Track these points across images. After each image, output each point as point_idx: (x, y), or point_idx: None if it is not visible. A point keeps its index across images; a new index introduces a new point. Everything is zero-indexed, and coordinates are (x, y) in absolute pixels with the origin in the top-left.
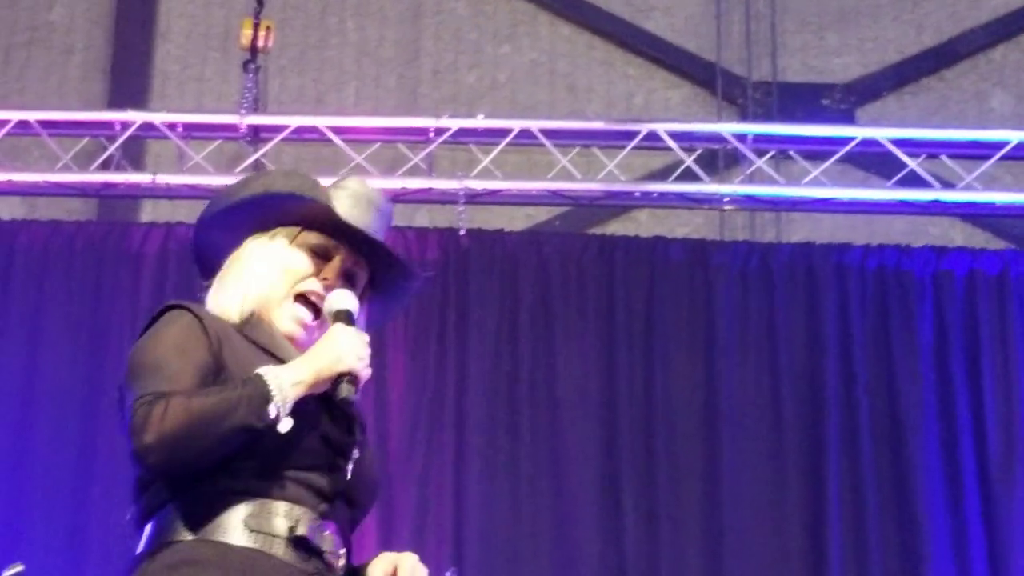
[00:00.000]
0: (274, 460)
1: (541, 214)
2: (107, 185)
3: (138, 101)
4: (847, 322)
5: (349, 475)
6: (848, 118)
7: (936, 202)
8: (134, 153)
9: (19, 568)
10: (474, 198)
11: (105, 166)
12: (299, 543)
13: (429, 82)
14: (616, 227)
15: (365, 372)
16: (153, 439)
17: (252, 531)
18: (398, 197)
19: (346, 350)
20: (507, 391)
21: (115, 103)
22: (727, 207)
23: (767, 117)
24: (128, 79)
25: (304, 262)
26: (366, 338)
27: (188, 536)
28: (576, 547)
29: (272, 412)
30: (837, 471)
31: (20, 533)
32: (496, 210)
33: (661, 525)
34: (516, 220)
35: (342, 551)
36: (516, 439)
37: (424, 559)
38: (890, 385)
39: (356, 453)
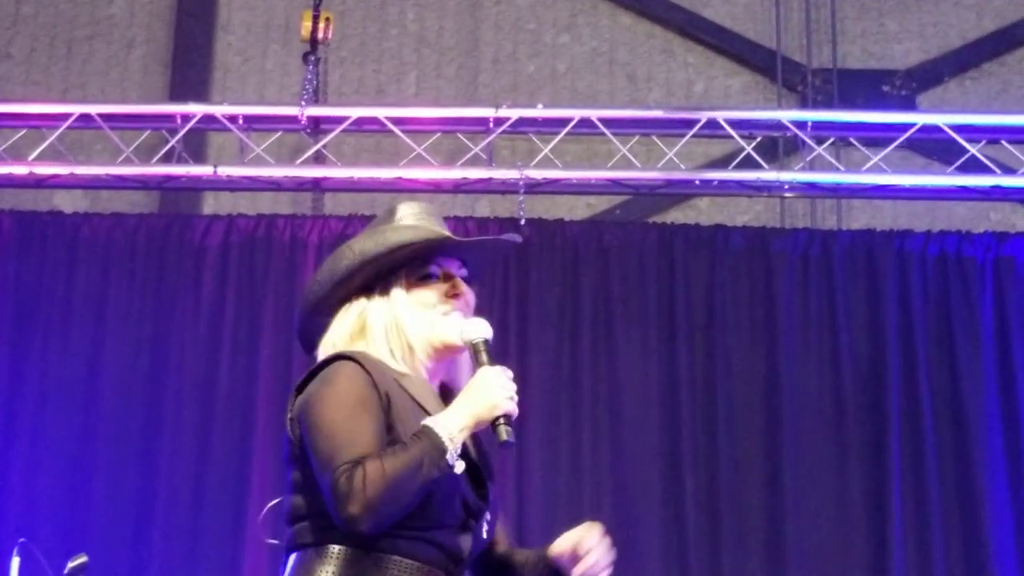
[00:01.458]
0: (417, 520)
1: (601, 203)
2: (169, 177)
3: (199, 93)
4: (908, 308)
5: (485, 535)
6: (909, 104)
7: (997, 187)
8: (195, 145)
9: (83, 559)
10: (534, 187)
11: (167, 159)
12: None
13: (489, 72)
14: (676, 215)
15: (516, 410)
16: (359, 508)
17: None
18: (458, 187)
19: (499, 393)
20: (568, 380)
21: (176, 96)
22: (787, 194)
23: (827, 104)
24: (189, 72)
25: (431, 293)
26: (509, 373)
27: None
28: (638, 534)
29: (451, 461)
30: (899, 457)
31: (86, 523)
32: (556, 199)
33: (723, 511)
34: (576, 209)
35: None
36: (577, 428)
37: None
38: (951, 370)
39: (489, 516)
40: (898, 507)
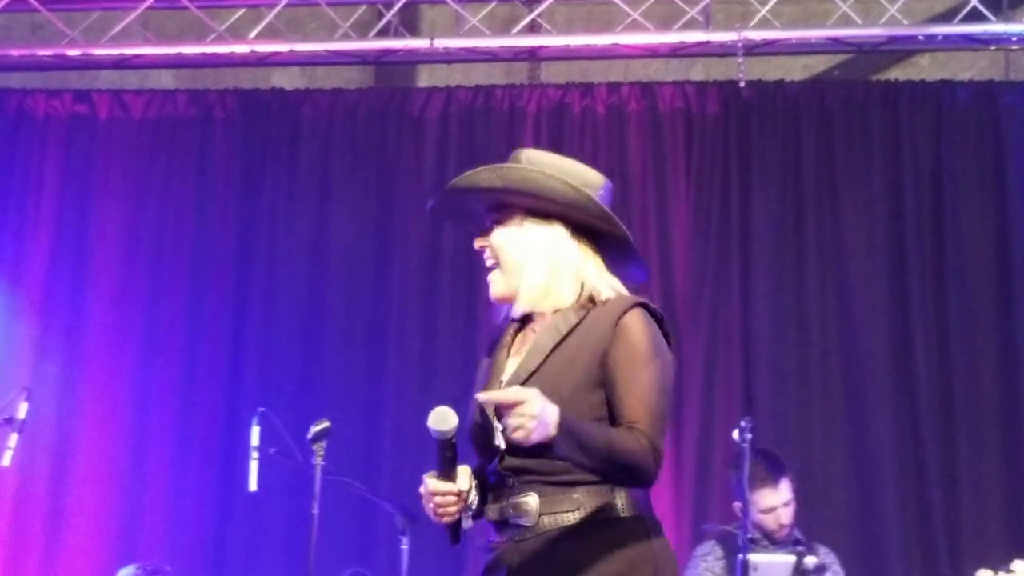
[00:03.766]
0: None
1: (819, 64)
2: (386, 52)
3: None
4: None
5: (502, 445)
6: None
7: None
8: (410, 19)
9: (326, 424)
10: (753, 49)
11: (383, 33)
12: (494, 525)
13: None
14: (896, 74)
15: (440, 520)
16: None
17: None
18: (675, 51)
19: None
20: (793, 243)
21: None
22: (1014, 47)
23: None
24: None
25: None
26: (430, 486)
27: None
28: (867, 392)
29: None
30: None
31: (319, 392)
32: (771, 62)
33: (954, 378)
34: (793, 71)
35: (527, 499)
36: (803, 289)
37: (714, 410)
38: None
39: (500, 439)
40: None
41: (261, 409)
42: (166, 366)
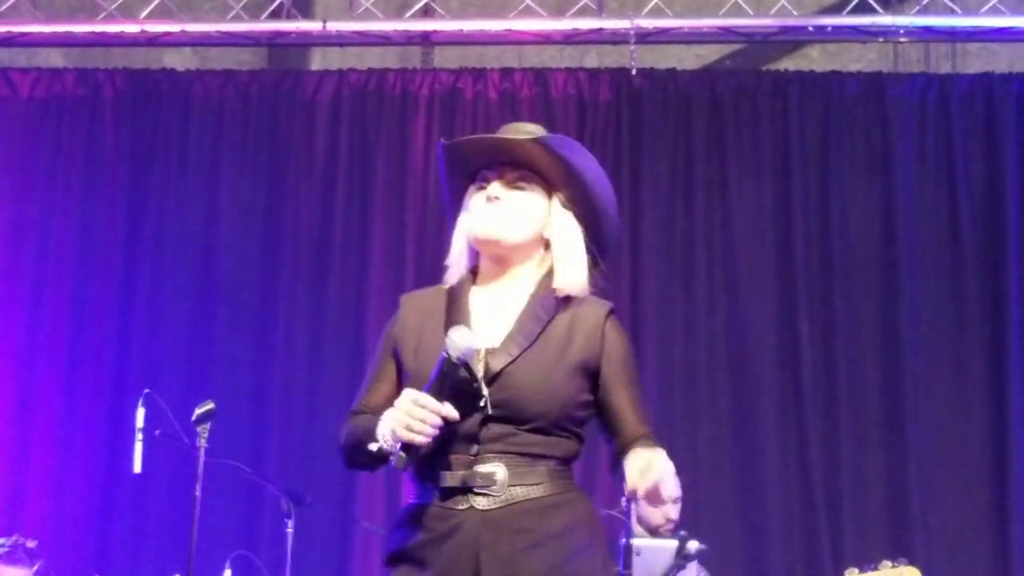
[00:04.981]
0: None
1: (711, 54)
2: (278, 33)
3: None
4: None
5: (489, 410)
6: None
7: None
8: (303, 1)
9: (210, 406)
10: (645, 37)
11: (275, 15)
12: (445, 491)
13: None
14: (787, 64)
15: (412, 438)
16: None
17: (422, 490)
18: (568, 38)
19: (383, 425)
20: (682, 231)
21: None
22: (902, 40)
23: None
24: None
25: (471, 199)
26: (422, 399)
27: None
28: (753, 383)
29: (374, 448)
30: (1019, 299)
31: (206, 376)
32: (665, 51)
33: (838, 361)
34: (686, 61)
35: (494, 469)
36: (691, 277)
37: None
38: None
39: (484, 395)
40: (1017, 344)
41: (147, 390)
42: (52, 345)
